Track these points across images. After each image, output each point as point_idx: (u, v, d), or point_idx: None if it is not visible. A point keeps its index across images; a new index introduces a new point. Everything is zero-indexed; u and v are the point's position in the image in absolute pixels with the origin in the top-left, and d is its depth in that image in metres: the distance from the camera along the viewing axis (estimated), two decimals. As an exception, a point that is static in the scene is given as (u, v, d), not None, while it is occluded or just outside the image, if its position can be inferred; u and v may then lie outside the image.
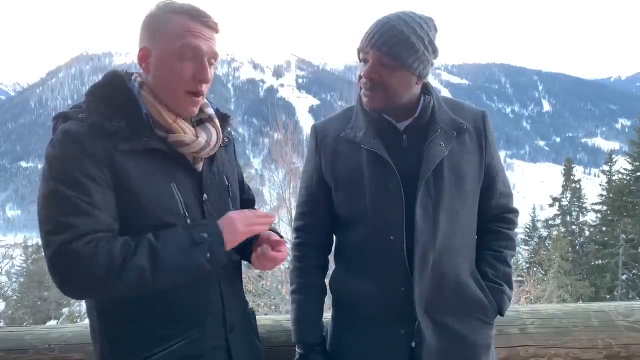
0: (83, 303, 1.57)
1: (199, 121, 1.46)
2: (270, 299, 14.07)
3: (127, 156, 1.30)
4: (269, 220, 1.42)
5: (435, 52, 1.55)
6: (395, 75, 1.51)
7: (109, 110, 1.32)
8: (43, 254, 1.27)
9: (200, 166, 1.44)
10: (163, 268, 1.26)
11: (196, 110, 1.42)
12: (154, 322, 1.36)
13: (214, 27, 1.38)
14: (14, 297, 24.68)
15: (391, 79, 1.51)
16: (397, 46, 1.47)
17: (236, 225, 1.36)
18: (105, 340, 1.39)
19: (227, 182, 1.53)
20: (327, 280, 1.76)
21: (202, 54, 1.35)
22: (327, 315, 1.78)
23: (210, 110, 1.49)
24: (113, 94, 1.36)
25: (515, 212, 1.76)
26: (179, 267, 1.28)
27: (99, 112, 1.31)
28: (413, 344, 1.55)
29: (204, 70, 1.35)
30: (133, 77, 1.41)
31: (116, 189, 1.29)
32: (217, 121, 1.48)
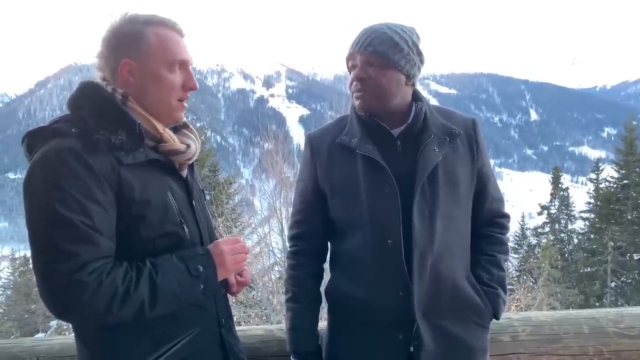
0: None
1: (174, 129, 1.49)
2: (262, 309, 13.95)
3: (130, 169, 1.30)
4: (247, 252, 1.50)
5: (420, 55, 1.61)
6: (384, 74, 1.56)
7: (108, 123, 1.30)
8: (35, 278, 1.20)
9: (185, 172, 1.48)
10: (162, 299, 1.27)
11: (183, 115, 1.47)
12: (158, 324, 1.34)
13: (183, 33, 1.45)
14: (1, 310, 24.28)
15: (380, 77, 1.56)
16: (382, 45, 1.54)
17: (226, 260, 1.41)
18: (106, 350, 1.34)
19: (201, 186, 1.59)
20: (322, 289, 1.76)
21: (189, 63, 1.42)
22: (322, 324, 1.77)
23: (183, 117, 1.51)
24: (105, 108, 1.33)
25: (507, 216, 1.79)
26: (175, 298, 1.30)
27: (99, 126, 1.29)
28: (411, 349, 1.56)
29: (193, 78, 1.43)
30: (110, 90, 1.36)
31: (122, 205, 1.28)
32: (192, 126, 1.53)
